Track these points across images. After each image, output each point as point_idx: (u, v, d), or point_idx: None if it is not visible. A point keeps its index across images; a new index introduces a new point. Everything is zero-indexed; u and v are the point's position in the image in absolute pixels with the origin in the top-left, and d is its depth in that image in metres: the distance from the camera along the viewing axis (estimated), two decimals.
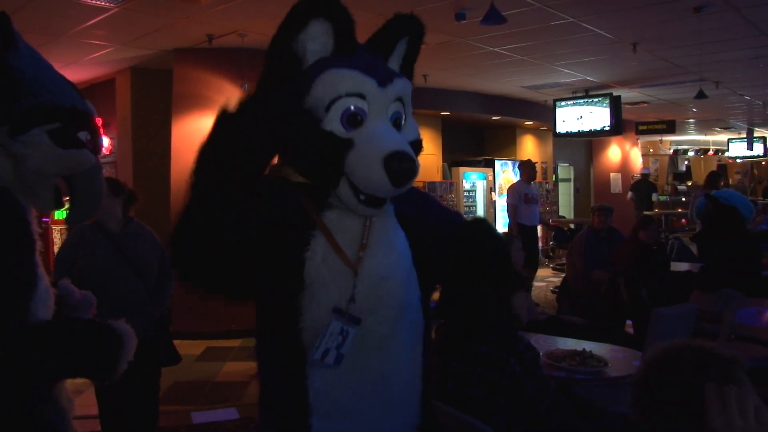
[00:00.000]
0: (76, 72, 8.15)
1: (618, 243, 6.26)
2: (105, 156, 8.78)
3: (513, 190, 8.86)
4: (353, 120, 1.51)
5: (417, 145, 1.65)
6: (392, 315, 1.57)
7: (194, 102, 7.04)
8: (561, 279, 7.65)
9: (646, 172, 16.32)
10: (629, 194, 13.95)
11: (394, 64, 1.69)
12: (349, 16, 1.55)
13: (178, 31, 6.32)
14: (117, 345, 1.70)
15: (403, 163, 1.45)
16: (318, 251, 1.52)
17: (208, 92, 7.01)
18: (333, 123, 1.51)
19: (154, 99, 7.93)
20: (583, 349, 3.05)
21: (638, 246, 5.64)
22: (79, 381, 1.79)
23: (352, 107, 1.52)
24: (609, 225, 6.55)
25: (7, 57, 1.67)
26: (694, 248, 8.82)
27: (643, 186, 14.02)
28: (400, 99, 1.60)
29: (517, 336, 2.43)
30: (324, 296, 1.50)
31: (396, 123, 1.59)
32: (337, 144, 1.49)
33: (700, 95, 7.61)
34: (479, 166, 12.19)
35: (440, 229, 1.75)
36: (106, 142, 8.72)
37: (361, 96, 1.52)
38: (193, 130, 7.05)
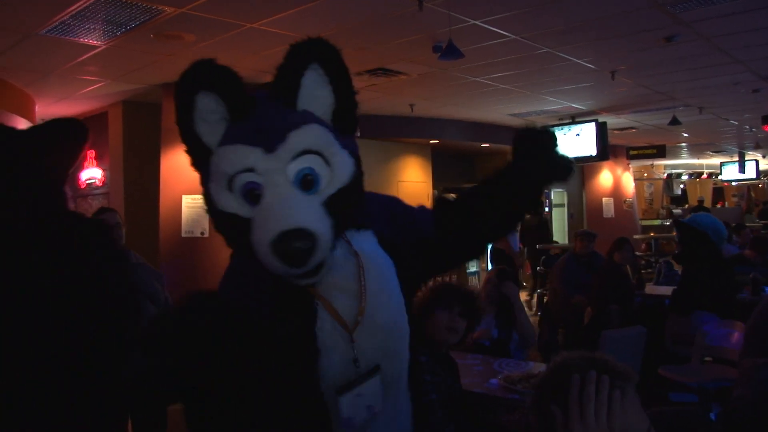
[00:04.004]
0: (69, 106, 8.34)
1: (598, 267, 6.37)
2: (98, 187, 8.94)
3: None
4: (252, 196, 1.41)
5: (347, 191, 1.47)
6: (396, 365, 1.58)
7: None
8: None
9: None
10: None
11: (306, 100, 1.49)
12: (232, 77, 1.44)
13: (165, 66, 6.50)
14: None
15: (293, 243, 1.32)
16: (326, 322, 1.48)
17: None
18: (235, 203, 1.42)
19: (145, 132, 8.09)
20: (539, 372, 3.14)
21: (611, 268, 5.77)
22: None
23: (246, 183, 1.41)
24: (591, 250, 6.66)
25: None
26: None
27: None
28: (308, 151, 1.43)
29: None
30: (333, 359, 1.48)
31: (306, 180, 1.42)
32: (240, 226, 1.41)
33: (674, 122, 7.75)
34: None
35: (414, 233, 1.72)
36: (98, 173, 8.88)
37: (251, 170, 1.40)
38: (181, 162, 7.17)
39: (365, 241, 1.58)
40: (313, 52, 1.46)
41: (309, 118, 1.46)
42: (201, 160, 1.48)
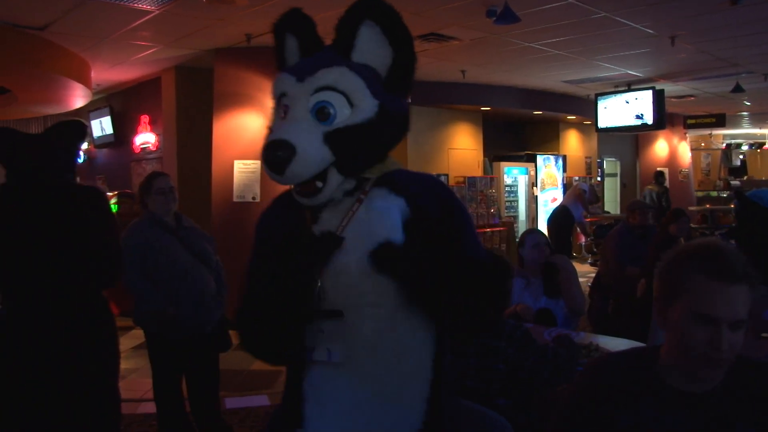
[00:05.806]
0: (124, 71, 8.49)
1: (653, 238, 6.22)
2: (152, 151, 9.11)
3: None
4: (283, 115, 1.65)
5: (354, 130, 1.58)
6: (375, 313, 1.58)
7: (234, 99, 7.24)
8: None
9: None
10: None
11: (365, 56, 1.64)
12: (310, 27, 1.74)
13: (217, 31, 6.53)
14: None
15: (276, 151, 1.51)
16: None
17: (248, 90, 7.20)
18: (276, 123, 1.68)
19: (197, 97, 8.17)
20: (590, 342, 3.10)
21: (666, 240, 5.64)
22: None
23: (282, 106, 1.65)
24: (647, 222, 6.47)
25: None
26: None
27: None
28: (329, 88, 1.58)
29: (503, 320, 2.56)
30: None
31: (322, 111, 1.58)
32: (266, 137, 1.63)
33: (737, 89, 7.45)
34: (521, 161, 12.14)
35: (447, 240, 1.64)
36: (152, 138, 9.04)
37: (285, 94, 1.64)
38: (232, 126, 7.27)
39: (382, 198, 1.63)
40: (365, 10, 1.62)
41: (350, 64, 1.62)
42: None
